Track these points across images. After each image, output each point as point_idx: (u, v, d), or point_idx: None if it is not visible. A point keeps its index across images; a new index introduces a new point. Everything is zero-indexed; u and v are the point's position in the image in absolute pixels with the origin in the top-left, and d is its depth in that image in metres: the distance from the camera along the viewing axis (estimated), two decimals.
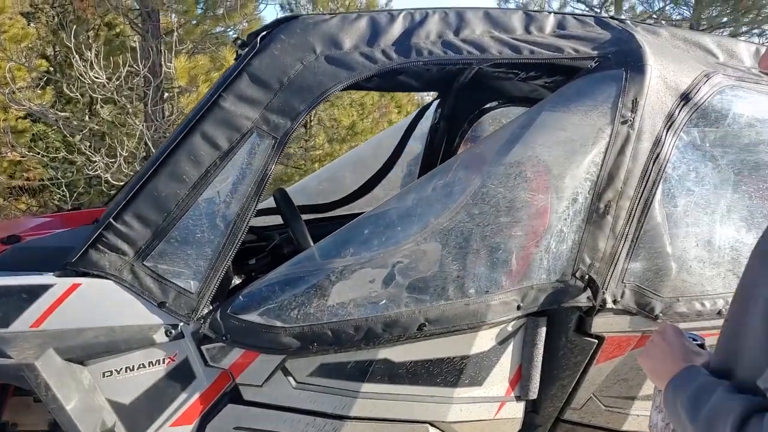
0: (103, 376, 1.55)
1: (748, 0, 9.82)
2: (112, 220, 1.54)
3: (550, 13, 1.83)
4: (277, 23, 1.69)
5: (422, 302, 1.67)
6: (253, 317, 1.58)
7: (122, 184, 6.91)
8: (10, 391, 1.68)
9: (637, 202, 1.70)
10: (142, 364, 1.55)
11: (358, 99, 13.31)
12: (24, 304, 1.50)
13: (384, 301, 1.67)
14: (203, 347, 1.57)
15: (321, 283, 1.65)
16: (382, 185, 3.12)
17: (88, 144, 7.37)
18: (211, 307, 1.59)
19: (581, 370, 1.83)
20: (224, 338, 1.56)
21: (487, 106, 3.09)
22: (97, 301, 1.52)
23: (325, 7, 11.34)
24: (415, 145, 3.27)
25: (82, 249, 1.53)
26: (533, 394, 1.81)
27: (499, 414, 1.82)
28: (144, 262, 1.55)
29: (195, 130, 1.59)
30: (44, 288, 1.50)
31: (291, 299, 1.61)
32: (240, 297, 1.61)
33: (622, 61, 1.70)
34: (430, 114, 3.23)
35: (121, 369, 1.55)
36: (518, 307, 1.70)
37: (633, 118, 1.67)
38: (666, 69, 1.72)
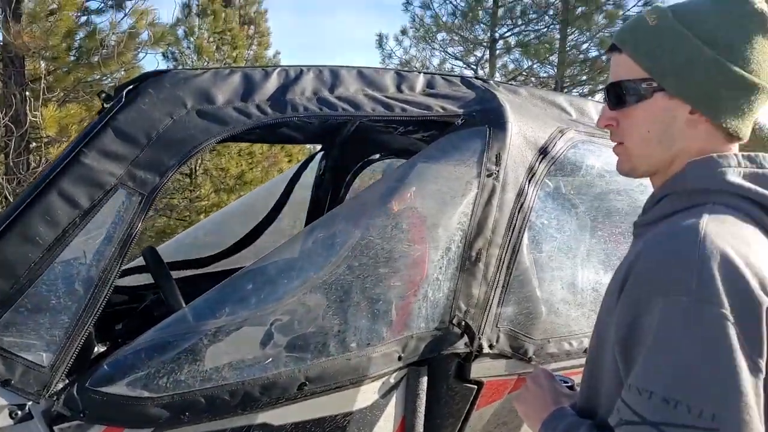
0: None
1: (602, 62, 11.11)
2: None
3: (419, 72, 1.94)
4: (145, 77, 1.64)
5: (302, 361, 1.63)
6: (116, 389, 1.45)
7: None
8: None
9: (505, 249, 1.80)
10: None
11: (247, 148, 13.18)
12: None
13: (262, 362, 1.61)
14: (56, 427, 1.40)
15: (193, 347, 1.56)
16: (273, 236, 3.07)
17: None
18: (67, 381, 1.44)
19: (463, 417, 1.85)
20: (81, 415, 1.40)
21: (370, 158, 3.17)
22: None
23: (211, 57, 11.24)
24: (307, 195, 3.27)
25: None
26: None
27: None
28: None
29: (51, 188, 1.47)
30: None
31: (160, 366, 1.50)
32: (101, 367, 1.47)
33: (486, 118, 1.82)
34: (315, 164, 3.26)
35: None
36: (399, 358, 1.71)
37: (497, 171, 1.78)
38: (525, 125, 1.86)
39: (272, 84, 1.72)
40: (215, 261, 2.90)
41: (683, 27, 0.97)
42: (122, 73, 8.51)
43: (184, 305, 1.77)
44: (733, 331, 0.79)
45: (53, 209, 1.47)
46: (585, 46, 11.87)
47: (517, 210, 1.80)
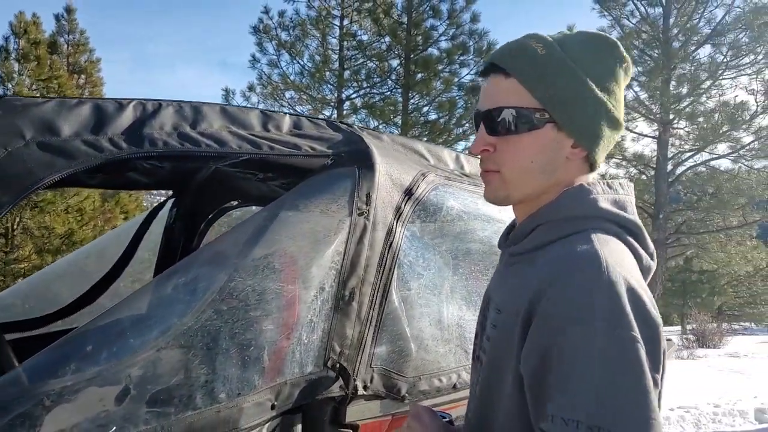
0: None
1: (440, 125, 12.10)
2: None
3: (285, 114, 1.94)
4: None
5: (165, 416, 1.47)
6: None
7: None
8: None
9: (377, 287, 1.82)
10: None
11: (76, 204, 12.10)
12: None
13: (119, 422, 1.42)
14: None
15: (30, 412, 1.33)
16: (108, 298, 2.78)
17: None
18: None
19: None
20: None
21: (226, 205, 3.06)
22: None
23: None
24: (145, 254, 3.04)
25: None
26: None
27: None
28: None
29: None
30: None
31: None
32: None
33: (355, 159, 1.86)
34: (163, 214, 3.06)
35: None
36: (272, 407, 1.62)
37: (368, 210, 1.81)
38: (391, 167, 1.94)
39: (127, 117, 1.60)
40: (47, 323, 2.55)
41: (571, 61, 0.99)
42: None
43: (17, 365, 1.51)
44: (642, 353, 0.83)
45: None
46: (425, 109, 12.88)
47: (387, 248, 1.84)
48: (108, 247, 3.25)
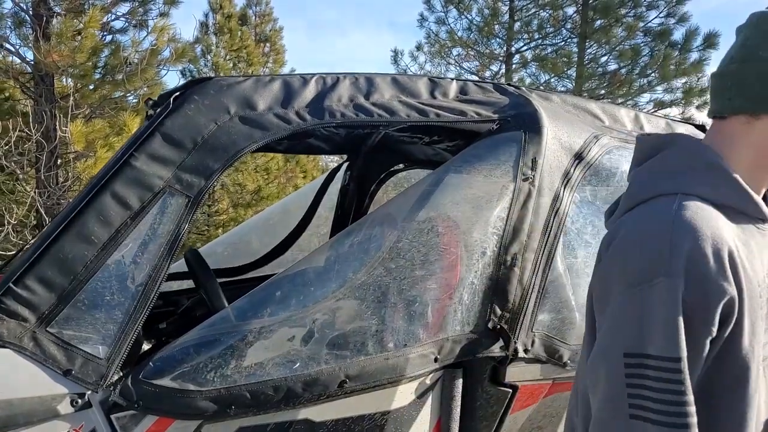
0: None
1: (621, 75, 11.08)
2: (11, 284, 1.43)
3: (452, 79, 1.98)
4: (191, 84, 1.70)
5: (342, 359, 1.66)
6: (167, 382, 1.50)
7: (11, 253, 6.40)
8: None
9: (541, 253, 1.82)
10: None
11: (263, 164, 13.32)
12: None
13: (304, 359, 1.64)
14: (113, 416, 1.47)
15: (238, 344, 1.61)
16: (292, 250, 3.12)
17: None
18: (121, 374, 1.50)
19: (497, 420, 1.87)
20: (136, 405, 1.46)
21: (394, 168, 3.22)
22: None
23: (227, 74, 11.48)
24: (320, 210, 3.32)
25: None
26: None
27: None
28: (47, 329, 1.44)
29: (105, 190, 1.54)
30: None
31: (207, 361, 1.55)
32: (153, 361, 1.53)
33: (521, 123, 1.85)
34: (339, 176, 3.31)
35: None
36: (436, 360, 1.74)
37: (533, 176, 1.81)
38: (560, 130, 1.89)
39: (310, 91, 1.78)
40: (246, 271, 2.95)
41: None
42: (145, 89, 8.70)
43: (227, 305, 1.81)
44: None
45: (107, 210, 1.53)
46: (604, 59, 11.87)
47: (552, 215, 1.83)
48: (293, 206, 3.59)
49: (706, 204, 0.95)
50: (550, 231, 1.83)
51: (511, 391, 1.84)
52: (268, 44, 15.89)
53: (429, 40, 13.86)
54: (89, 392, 1.45)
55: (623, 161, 1.97)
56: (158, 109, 1.68)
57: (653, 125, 2.23)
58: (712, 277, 0.86)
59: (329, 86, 1.80)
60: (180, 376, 1.51)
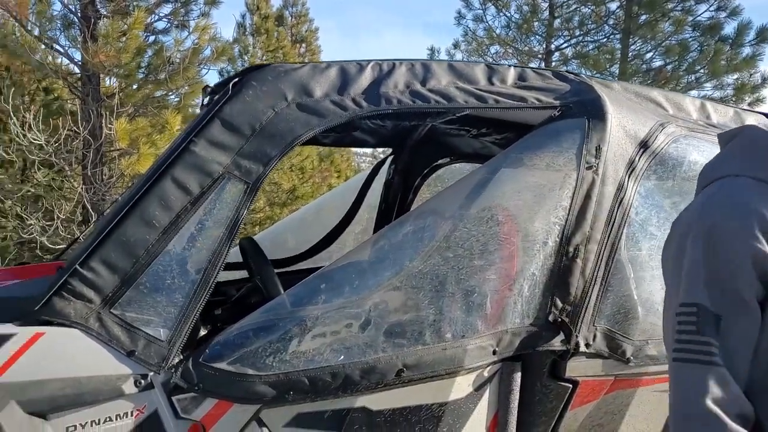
0: (67, 431, 1.41)
1: (667, 72, 10.75)
2: (78, 266, 1.45)
3: (510, 65, 1.93)
4: (249, 71, 1.70)
5: (399, 347, 1.63)
6: (227, 366, 1.50)
7: (61, 246, 6.59)
8: None
9: (604, 245, 1.75)
10: (109, 417, 1.43)
11: (298, 163, 13.45)
12: None
13: (361, 346, 1.62)
14: (174, 398, 1.47)
15: (296, 330, 1.60)
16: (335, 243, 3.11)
17: (22, 207, 7.04)
18: (181, 356, 1.50)
19: (557, 416, 1.81)
20: (197, 388, 1.46)
21: (440, 162, 3.18)
22: (61, 351, 1.41)
23: None
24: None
25: (45, 297, 1.43)
26: None
27: None
28: (111, 310, 1.46)
29: (165, 175, 1.55)
30: (5, 338, 1.38)
31: (266, 346, 1.54)
32: (213, 345, 1.53)
33: (584, 109, 1.79)
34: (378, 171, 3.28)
35: (87, 423, 1.42)
36: (494, 352, 1.69)
37: (597, 164, 1.74)
38: (625, 118, 1.82)
39: (366, 78, 1.75)
40: (291, 263, 2.95)
41: None
42: (186, 88, 8.85)
43: (282, 292, 1.80)
44: None
45: (167, 195, 1.54)
46: (649, 55, 11.47)
47: (616, 205, 1.76)
48: (336, 200, 3.58)
49: (760, 183, 1.02)
50: (614, 222, 1.76)
51: (571, 386, 1.79)
52: (303, 45, 16.02)
53: (466, 38, 13.74)
54: (151, 374, 1.46)
55: (691, 150, 1.89)
56: (216, 96, 1.68)
57: (720, 114, 2.14)
58: (734, 239, 0.97)
59: (385, 72, 1.77)
60: (239, 361, 1.51)
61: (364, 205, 3.19)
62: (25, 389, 1.37)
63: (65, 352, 1.42)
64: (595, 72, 11.26)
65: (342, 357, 1.58)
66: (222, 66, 11.69)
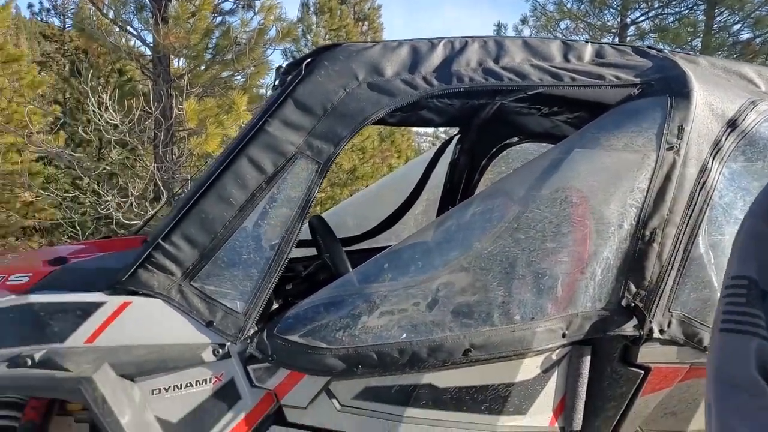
0: (152, 393, 1.53)
1: (756, 45, 10.03)
2: (160, 240, 1.53)
3: (587, 42, 1.86)
4: (321, 50, 1.71)
5: (467, 327, 1.64)
6: (299, 338, 1.56)
7: (135, 222, 6.95)
8: (54, 411, 1.65)
9: (683, 229, 1.68)
10: (190, 383, 1.53)
11: (359, 144, 13.52)
12: (78, 320, 1.51)
13: (429, 325, 1.63)
14: (249, 367, 1.56)
15: (365, 306, 1.63)
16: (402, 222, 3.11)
17: (98, 184, 7.44)
18: (256, 328, 1.57)
19: (627, 402, 1.77)
20: (270, 358, 1.53)
21: (508, 141, 3.11)
22: (146, 319, 1.51)
23: None
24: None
25: (131, 269, 1.53)
26: (577, 426, 1.75)
27: None
28: (192, 283, 1.54)
29: (241, 154, 1.60)
30: (96, 306, 1.49)
31: (336, 321, 1.58)
32: (286, 318, 1.59)
33: (666, 87, 1.70)
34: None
35: (170, 387, 1.53)
36: (563, 335, 1.67)
37: (679, 145, 1.67)
38: (711, 95, 1.73)
39: (438, 56, 1.73)
40: (358, 241, 2.99)
41: None
42: (252, 68, 9.02)
43: (350, 269, 1.83)
44: None
45: (243, 174, 1.59)
46: (736, 27, 10.69)
47: (698, 187, 1.68)
48: (396, 182, 3.58)
49: None
50: (695, 205, 1.69)
51: (642, 372, 1.74)
52: (366, 23, 15.97)
53: (535, 13, 13.30)
54: (229, 343, 1.53)
55: None
56: (289, 76, 1.71)
57: None
58: None
59: (457, 50, 1.75)
60: (311, 334, 1.56)
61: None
62: (116, 353, 1.48)
63: (150, 320, 1.52)
64: (674, 46, 10.65)
65: (409, 334, 1.60)
66: (286, 46, 11.85)
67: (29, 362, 1.46)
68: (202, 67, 8.81)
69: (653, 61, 1.80)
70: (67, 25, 15.22)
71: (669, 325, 1.71)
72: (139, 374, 1.51)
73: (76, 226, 8.33)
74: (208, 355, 1.52)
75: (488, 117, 2.95)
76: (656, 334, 1.70)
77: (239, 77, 9.29)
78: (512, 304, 1.67)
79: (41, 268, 1.71)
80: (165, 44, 7.55)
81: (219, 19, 9.02)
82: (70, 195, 8.31)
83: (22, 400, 1.65)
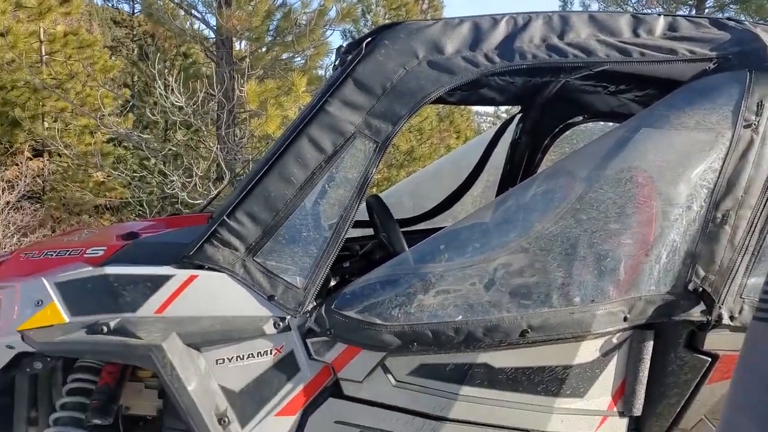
0: (216, 363, 1.60)
1: None
2: (225, 217, 1.59)
3: (659, 15, 1.78)
4: (382, 29, 1.71)
5: (525, 308, 1.62)
6: (356, 314, 1.59)
7: (199, 201, 7.22)
8: (126, 376, 1.76)
9: (759, 211, 1.60)
10: (251, 354, 1.60)
11: (416, 124, 13.43)
12: (148, 292, 1.60)
13: (485, 305, 1.63)
14: (308, 340, 1.61)
15: (422, 284, 1.64)
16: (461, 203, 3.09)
17: (164, 164, 7.74)
18: (315, 303, 1.61)
19: (691, 390, 1.72)
20: (328, 332, 1.57)
21: (572, 120, 3.02)
22: (212, 292, 1.59)
23: None
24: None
25: (198, 244, 1.60)
26: (637, 411, 1.71)
27: (600, 429, 1.73)
28: (254, 258, 1.60)
29: (302, 134, 1.63)
30: (166, 278, 1.57)
31: (393, 298, 1.61)
32: (343, 294, 1.63)
33: (746, 61, 1.61)
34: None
35: (233, 357, 1.60)
36: (625, 319, 1.62)
37: (758, 122, 1.57)
38: None
39: (500, 32, 1.70)
40: (415, 222, 3.00)
41: None
42: (312, 50, 9.09)
43: (407, 249, 1.85)
44: None
45: (304, 153, 1.62)
46: None
47: None
48: (454, 163, 3.55)
49: None
50: None
51: (710, 360, 1.68)
52: (426, 1, 15.76)
53: None
54: (289, 317, 1.58)
55: None
56: (350, 56, 1.72)
57: None
58: None
59: (520, 26, 1.71)
60: (368, 310, 1.59)
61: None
62: (183, 323, 1.56)
63: (215, 293, 1.59)
64: (758, 18, 9.97)
65: (465, 314, 1.60)
66: (345, 27, 11.87)
67: (105, 329, 1.56)
68: (263, 49, 8.97)
69: (732, 33, 1.69)
70: (135, 11, 15.82)
71: (741, 312, 1.64)
72: (205, 344, 1.59)
73: (144, 204, 8.74)
74: (269, 328, 1.58)
75: (551, 95, 2.87)
76: (726, 320, 1.63)
77: (299, 59, 9.39)
78: (572, 285, 1.64)
79: (115, 243, 1.81)
80: (228, 27, 7.72)
81: (280, 1, 9.12)
82: (138, 175, 8.70)
83: (99, 365, 1.77)
